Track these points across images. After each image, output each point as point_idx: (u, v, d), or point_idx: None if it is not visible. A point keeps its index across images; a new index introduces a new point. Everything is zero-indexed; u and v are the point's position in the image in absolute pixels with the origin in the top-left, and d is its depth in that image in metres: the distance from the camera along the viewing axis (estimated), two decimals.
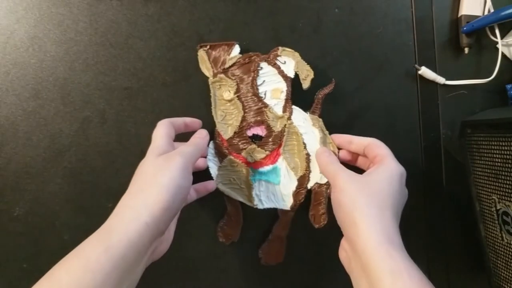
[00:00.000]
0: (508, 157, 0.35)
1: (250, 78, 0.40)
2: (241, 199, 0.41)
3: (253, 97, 0.40)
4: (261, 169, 0.41)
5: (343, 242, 0.34)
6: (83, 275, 0.24)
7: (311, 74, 0.40)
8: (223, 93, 0.40)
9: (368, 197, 0.31)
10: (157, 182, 0.29)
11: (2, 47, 0.40)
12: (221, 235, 0.43)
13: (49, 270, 0.25)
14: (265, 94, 0.40)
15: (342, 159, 0.41)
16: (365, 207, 0.30)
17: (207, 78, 0.41)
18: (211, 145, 0.41)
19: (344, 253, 0.33)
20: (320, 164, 0.38)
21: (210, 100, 0.41)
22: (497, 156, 0.37)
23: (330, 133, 0.42)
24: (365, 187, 0.32)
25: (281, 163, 0.41)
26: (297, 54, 0.40)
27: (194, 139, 0.37)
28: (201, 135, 0.37)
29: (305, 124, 0.41)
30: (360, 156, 0.41)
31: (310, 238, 0.44)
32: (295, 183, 0.41)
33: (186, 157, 0.31)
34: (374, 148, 0.37)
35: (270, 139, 0.41)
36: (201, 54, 0.41)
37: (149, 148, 0.33)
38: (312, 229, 0.41)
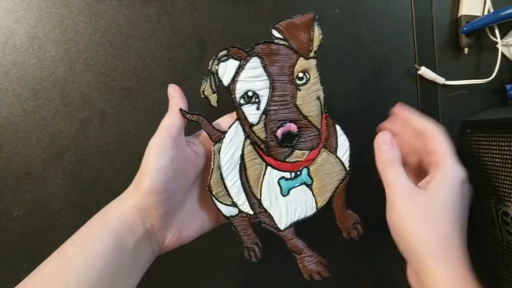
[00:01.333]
0: (508, 157, 0.35)
1: None
2: None
3: None
4: None
5: (411, 271, 0.32)
6: (86, 245, 0.27)
7: None
8: None
9: (433, 227, 0.28)
10: (140, 169, 0.31)
11: (2, 47, 0.40)
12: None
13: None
14: None
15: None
16: (432, 243, 0.28)
17: None
18: None
19: (414, 282, 0.32)
20: (380, 160, 0.33)
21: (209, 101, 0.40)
22: (497, 156, 0.37)
23: None
24: (428, 213, 0.29)
25: None
26: None
27: (170, 105, 0.34)
28: (172, 92, 0.34)
29: None
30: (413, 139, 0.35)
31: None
32: None
33: (160, 135, 0.31)
34: (431, 140, 0.32)
35: None
36: None
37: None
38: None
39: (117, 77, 0.41)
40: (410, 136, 0.34)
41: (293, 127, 0.32)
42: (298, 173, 0.35)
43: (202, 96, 0.33)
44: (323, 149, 0.35)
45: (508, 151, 0.35)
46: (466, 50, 0.45)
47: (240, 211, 0.35)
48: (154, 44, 0.41)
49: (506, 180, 0.36)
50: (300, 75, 0.33)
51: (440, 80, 0.45)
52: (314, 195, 0.35)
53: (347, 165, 0.36)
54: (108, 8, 0.41)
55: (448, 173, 0.30)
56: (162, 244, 0.32)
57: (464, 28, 0.44)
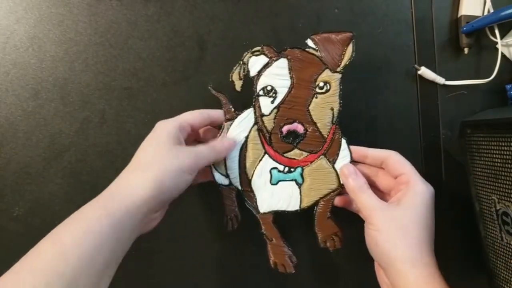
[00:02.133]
0: (508, 157, 0.35)
1: None
2: None
3: None
4: None
5: (382, 275, 0.35)
6: (84, 236, 0.26)
7: None
8: None
9: (407, 237, 0.32)
10: (153, 168, 0.30)
11: (2, 47, 0.40)
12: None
13: (52, 230, 0.27)
14: None
15: (363, 173, 0.38)
16: (406, 250, 0.31)
17: (206, 78, 0.42)
18: None
19: (385, 285, 0.36)
20: (349, 189, 0.36)
21: (209, 101, 0.40)
22: (497, 156, 0.37)
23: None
24: (403, 226, 0.32)
25: None
26: None
27: (217, 143, 0.36)
28: (224, 145, 0.36)
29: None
30: (379, 169, 0.38)
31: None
32: None
33: (191, 158, 0.32)
34: (395, 164, 0.36)
35: None
36: None
37: (162, 123, 0.34)
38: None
39: (117, 77, 0.41)
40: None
41: (299, 128, 0.35)
42: (292, 170, 0.37)
43: (230, 79, 0.36)
44: (323, 156, 0.37)
45: (508, 151, 0.35)
46: (466, 50, 0.45)
47: (230, 183, 0.38)
48: (154, 44, 0.41)
49: (506, 180, 0.36)
50: (321, 84, 0.35)
51: (440, 80, 0.45)
52: (301, 194, 0.37)
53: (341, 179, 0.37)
54: (108, 8, 0.41)
55: (419, 189, 0.34)
56: (147, 228, 0.33)
57: (464, 28, 0.44)
